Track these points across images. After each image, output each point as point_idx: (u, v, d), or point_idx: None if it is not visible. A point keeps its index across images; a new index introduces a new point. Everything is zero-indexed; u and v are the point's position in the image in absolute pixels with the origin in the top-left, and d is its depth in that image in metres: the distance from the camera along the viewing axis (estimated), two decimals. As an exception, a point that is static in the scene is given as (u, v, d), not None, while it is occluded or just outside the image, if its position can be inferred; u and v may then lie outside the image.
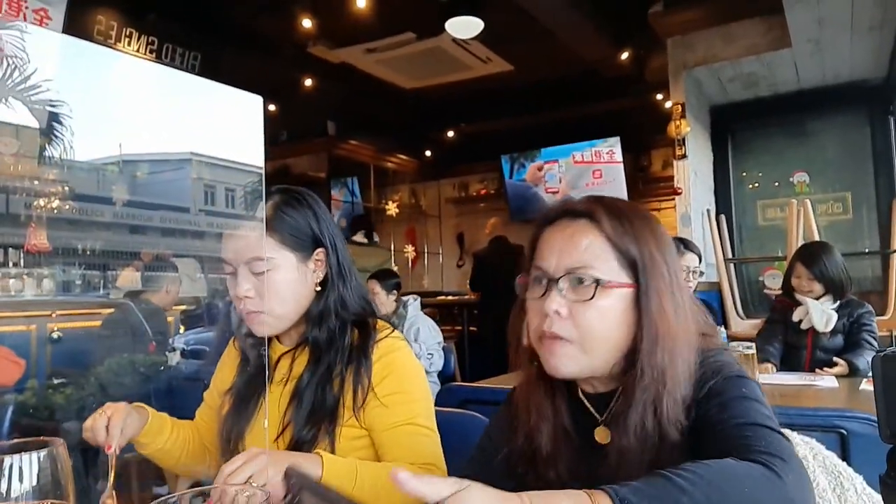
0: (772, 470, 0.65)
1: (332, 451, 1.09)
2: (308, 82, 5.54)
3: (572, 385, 0.90)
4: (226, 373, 1.30)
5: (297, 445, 1.10)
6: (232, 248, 1.15)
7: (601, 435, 0.86)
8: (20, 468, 0.70)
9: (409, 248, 7.39)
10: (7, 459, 0.69)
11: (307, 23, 4.58)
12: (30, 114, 4.64)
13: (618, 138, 6.24)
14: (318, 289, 1.19)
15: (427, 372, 3.47)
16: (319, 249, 1.19)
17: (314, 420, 1.11)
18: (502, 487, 0.87)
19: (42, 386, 3.09)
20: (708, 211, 4.64)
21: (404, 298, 3.67)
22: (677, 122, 4.27)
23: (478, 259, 5.43)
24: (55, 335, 3.49)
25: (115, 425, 1.09)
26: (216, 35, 4.64)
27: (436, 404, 1.21)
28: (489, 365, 4.69)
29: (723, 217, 4.77)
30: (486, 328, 5.21)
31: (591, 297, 0.81)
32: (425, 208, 7.83)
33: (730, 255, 4.65)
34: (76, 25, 4.08)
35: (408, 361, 1.17)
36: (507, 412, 0.97)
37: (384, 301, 3.59)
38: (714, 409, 0.77)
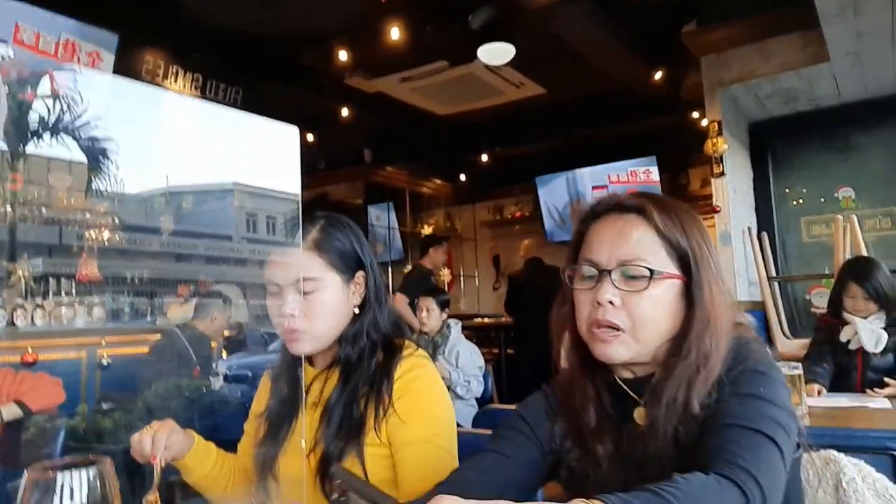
0: (744, 495, 0.69)
1: (362, 466, 1.11)
2: (345, 112, 5.68)
3: (610, 370, 0.94)
4: (261, 400, 1.33)
5: (327, 460, 1.12)
6: (280, 267, 1.19)
7: (640, 415, 0.89)
8: (70, 486, 0.73)
9: (446, 272, 7.42)
10: (59, 477, 0.72)
11: (344, 55, 4.71)
12: (80, 150, 4.89)
13: (654, 157, 6.19)
14: (356, 311, 1.22)
15: (462, 398, 3.45)
16: (360, 272, 1.22)
17: (341, 436, 1.13)
18: (535, 463, 0.95)
19: (91, 411, 3.20)
20: (749, 229, 4.53)
21: (447, 320, 3.68)
22: (714, 140, 4.22)
23: (512, 281, 5.41)
24: (104, 361, 3.61)
25: (160, 438, 1.13)
26: (257, 70, 4.81)
27: (473, 427, 1.21)
28: (526, 387, 4.66)
29: (764, 234, 4.66)
30: (522, 351, 5.17)
31: (644, 288, 0.86)
32: (461, 231, 7.87)
33: (773, 273, 4.52)
34: (126, 65, 4.29)
35: (429, 380, 1.18)
36: (543, 398, 1.01)
37: (435, 318, 3.60)
38: (726, 397, 0.81)
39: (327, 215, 1.25)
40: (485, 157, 7.26)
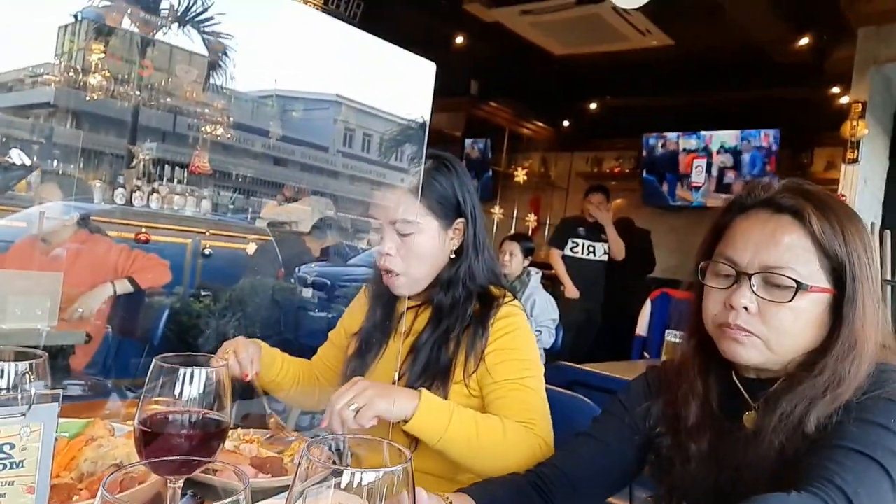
0: None
1: None
2: (458, 39, 5.55)
3: (728, 366, 0.89)
4: (355, 317, 1.38)
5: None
6: (381, 206, 1.21)
7: (749, 419, 0.84)
8: (191, 378, 0.79)
9: (532, 218, 7.32)
10: (181, 370, 0.78)
11: (467, -22, 4.56)
12: (203, 44, 5.07)
13: (777, 130, 5.73)
14: (453, 256, 1.23)
15: (533, 345, 3.47)
16: (460, 219, 1.23)
17: (427, 375, 1.17)
18: (630, 447, 0.94)
19: (189, 294, 3.46)
20: (872, 224, 4.17)
21: (529, 267, 3.67)
22: (854, 123, 3.85)
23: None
24: (206, 251, 3.86)
25: (244, 358, 1.22)
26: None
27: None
28: (597, 347, 4.62)
29: (887, 233, 4.28)
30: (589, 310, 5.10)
31: (788, 301, 0.79)
32: (554, 179, 7.68)
33: (888, 277, 4.18)
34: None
35: (522, 327, 1.21)
36: (644, 380, 1.00)
37: (518, 264, 3.60)
38: (847, 422, 0.75)
39: (436, 156, 1.25)
40: (593, 106, 6.96)
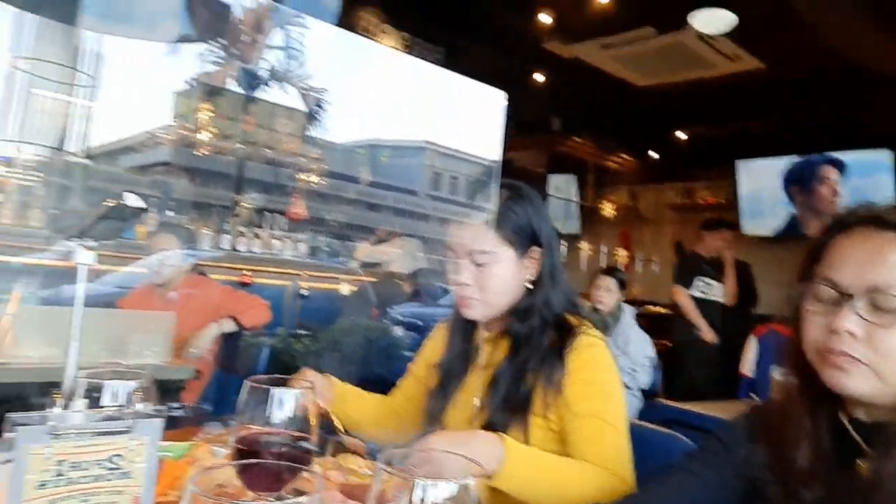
0: None
1: (526, 441, 1.12)
2: (539, 77, 5.62)
3: (836, 405, 0.82)
4: (434, 349, 1.40)
5: (491, 428, 1.14)
6: (458, 237, 1.24)
7: (865, 467, 0.77)
8: (281, 399, 0.85)
9: (622, 253, 7.14)
10: (273, 390, 0.84)
11: (546, 18, 4.65)
12: (300, 98, 5.44)
13: (889, 153, 5.32)
14: (529, 286, 1.23)
15: (627, 387, 3.34)
16: (536, 248, 1.22)
17: (507, 407, 1.15)
18: (730, 489, 0.87)
19: (289, 334, 3.64)
20: None
21: (622, 303, 3.56)
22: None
23: (695, 271, 5.04)
24: (303, 292, 4.06)
25: (323, 393, 1.25)
26: (459, 30, 4.92)
27: (638, 419, 1.19)
28: (695, 386, 4.38)
29: None
30: (691, 348, 4.85)
31: None
32: (643, 212, 7.49)
33: None
34: (343, 22, 4.65)
35: (602, 357, 1.17)
36: (746, 420, 0.92)
37: (614, 298, 3.50)
38: None
39: (510, 185, 1.26)
40: (681, 135, 6.77)
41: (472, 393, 1.25)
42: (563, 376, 1.13)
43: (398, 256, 4.41)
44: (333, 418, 1.24)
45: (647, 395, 3.44)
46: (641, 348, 3.44)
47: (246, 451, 0.80)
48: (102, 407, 0.83)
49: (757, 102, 5.56)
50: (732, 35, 4.38)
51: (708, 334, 4.29)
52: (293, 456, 0.82)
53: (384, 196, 7.53)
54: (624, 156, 7.27)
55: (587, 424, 1.10)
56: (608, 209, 7.20)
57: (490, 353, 1.26)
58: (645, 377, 3.40)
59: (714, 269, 4.45)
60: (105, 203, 1.10)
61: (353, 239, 5.49)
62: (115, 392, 0.83)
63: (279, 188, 5.24)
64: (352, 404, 1.36)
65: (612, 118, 6.46)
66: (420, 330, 4.18)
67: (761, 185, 6.17)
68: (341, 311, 4.17)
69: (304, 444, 0.82)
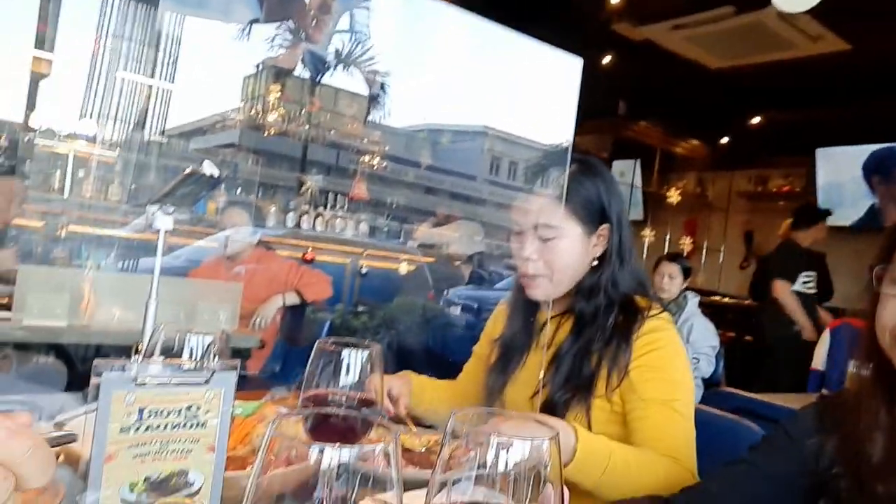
0: None
1: (588, 421, 1.11)
2: (605, 60, 5.48)
3: None
4: (496, 326, 1.38)
5: (551, 407, 1.13)
6: (524, 210, 1.21)
7: None
8: (349, 363, 0.86)
9: (687, 241, 6.92)
10: (344, 351, 0.85)
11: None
12: (364, 82, 5.50)
13: None
14: (595, 263, 1.19)
15: (690, 375, 3.25)
16: (604, 225, 1.19)
17: (569, 387, 1.13)
18: (796, 483, 0.83)
19: (347, 310, 3.72)
20: None
21: (686, 291, 3.47)
22: None
23: (762, 263, 4.85)
24: (363, 270, 4.14)
25: (393, 395, 1.24)
26: (525, 13, 4.84)
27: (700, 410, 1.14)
28: (760, 380, 4.22)
29: None
30: (762, 340, 4.66)
31: None
32: (711, 199, 7.22)
33: None
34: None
35: (672, 342, 1.13)
36: (815, 411, 0.89)
37: (677, 286, 3.43)
38: None
39: (581, 160, 1.22)
40: (756, 120, 6.47)
41: (532, 371, 1.23)
42: (629, 360, 1.10)
43: (456, 239, 4.42)
44: (404, 420, 1.23)
45: (709, 384, 3.35)
46: (705, 337, 3.35)
47: (315, 408, 0.82)
48: (180, 360, 0.87)
49: (839, 87, 5.24)
50: (816, 14, 4.13)
51: (810, 332, 4.09)
52: (361, 416, 0.83)
53: (442, 180, 7.53)
54: (693, 141, 7.02)
55: (655, 412, 1.07)
56: (674, 196, 6.98)
57: (553, 332, 1.23)
58: (707, 366, 3.32)
59: (817, 263, 4.24)
60: (184, 173, 1.14)
61: (411, 221, 5.53)
62: (193, 346, 0.86)
63: (342, 170, 5.33)
64: (428, 395, 1.37)
65: (682, 102, 6.23)
66: (476, 312, 4.19)
67: (840, 173, 5.84)
68: (399, 290, 4.22)
69: (370, 400, 0.84)
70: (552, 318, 1.24)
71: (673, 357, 1.12)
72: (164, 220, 1.21)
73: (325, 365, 0.86)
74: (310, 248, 3.87)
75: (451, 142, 7.69)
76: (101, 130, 3.79)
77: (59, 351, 1.88)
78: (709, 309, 5.22)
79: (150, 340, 0.90)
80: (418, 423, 1.32)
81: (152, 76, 4.09)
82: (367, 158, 5.16)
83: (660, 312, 1.16)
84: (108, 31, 3.86)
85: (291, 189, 4.81)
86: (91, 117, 3.83)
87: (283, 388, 1.32)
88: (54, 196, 3.26)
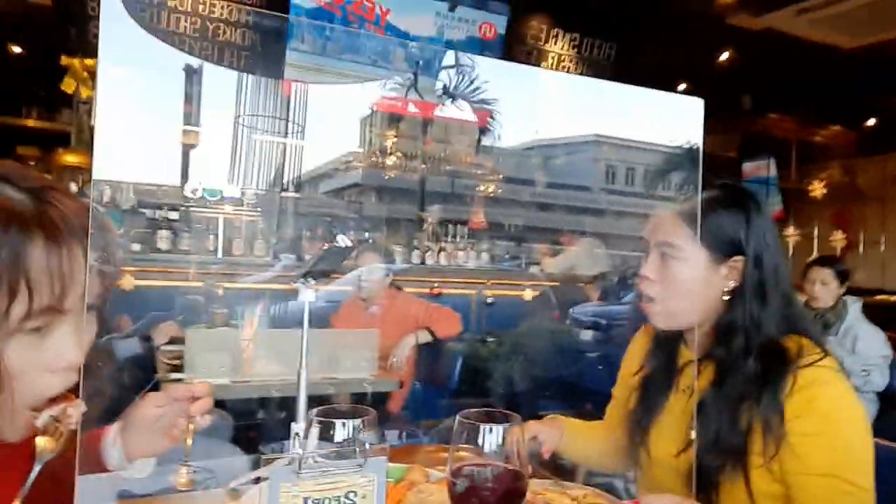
0: None
1: (749, 494, 1.00)
2: (724, 55, 5.19)
3: None
4: (632, 361, 1.30)
5: (702, 471, 1.02)
6: (650, 226, 1.15)
7: None
8: (491, 434, 0.88)
9: (838, 236, 6.29)
10: (483, 426, 0.87)
11: (728, -8, 4.29)
12: (471, 111, 5.61)
13: None
14: (727, 297, 1.10)
15: (860, 391, 2.92)
16: (738, 257, 1.10)
17: (720, 449, 1.02)
18: None
19: (476, 340, 3.77)
20: None
21: (844, 297, 3.12)
22: None
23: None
24: (489, 300, 4.18)
25: (542, 443, 1.21)
26: (631, 23, 4.73)
27: (875, 432, 0.98)
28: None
29: None
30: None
31: None
32: (863, 187, 6.53)
33: None
34: (513, 32, 4.71)
35: (837, 398, 0.98)
36: None
37: (831, 293, 3.11)
38: None
39: (724, 185, 1.14)
40: (906, 97, 5.79)
41: (677, 418, 1.16)
42: (781, 422, 0.96)
43: (577, 259, 4.35)
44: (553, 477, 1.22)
45: (885, 397, 2.99)
46: (873, 346, 3.00)
47: (461, 484, 0.85)
48: (334, 440, 0.94)
49: None
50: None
51: None
52: (507, 489, 0.85)
53: (557, 195, 7.46)
54: (833, 127, 6.41)
55: (821, 485, 0.94)
56: (817, 188, 6.39)
57: (693, 378, 1.15)
58: (880, 379, 2.96)
59: None
60: (322, 248, 1.23)
61: (530, 241, 5.52)
62: (344, 427, 0.92)
63: (459, 199, 5.45)
64: (581, 440, 1.31)
65: (816, 88, 5.73)
66: (603, 329, 4.07)
67: None
68: (524, 315, 4.21)
69: (518, 473, 0.85)
70: (693, 361, 1.17)
71: (841, 417, 0.97)
72: (307, 293, 1.31)
73: (468, 438, 0.89)
74: (436, 283, 3.98)
75: (563, 156, 7.62)
76: (243, 191, 4.20)
77: (222, 405, 2.07)
78: (875, 312, 4.71)
79: (304, 420, 0.98)
80: (562, 470, 1.30)
81: (284, 135, 4.48)
82: (482, 185, 5.25)
83: (820, 359, 1.00)
84: (243, 102, 4.30)
85: (413, 224, 4.99)
86: (234, 181, 4.26)
87: (425, 442, 1.37)
88: (209, 258, 3.64)
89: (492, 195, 5.42)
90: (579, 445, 1.31)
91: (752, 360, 1.03)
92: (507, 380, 3.32)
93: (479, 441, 0.87)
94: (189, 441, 0.87)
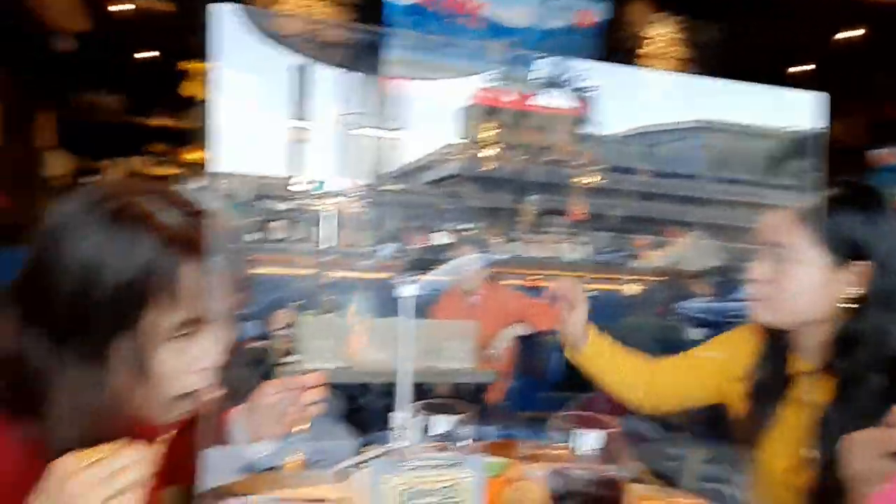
0: None
1: None
2: (847, 34, 4.75)
3: None
4: (736, 358, 1.22)
5: (822, 491, 0.97)
6: (762, 225, 1.09)
7: None
8: (585, 437, 0.88)
9: None
10: (578, 428, 0.87)
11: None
12: (570, 99, 5.50)
13: None
14: (848, 305, 1.02)
15: None
16: (862, 262, 1.01)
17: (841, 476, 0.92)
18: None
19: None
20: None
21: None
22: None
23: None
24: (588, 293, 4.09)
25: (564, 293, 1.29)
26: (739, 3, 4.44)
27: None
28: None
29: None
30: None
31: None
32: None
33: None
34: (615, 17, 4.55)
35: None
36: None
37: None
38: None
39: (847, 183, 1.06)
40: None
41: (791, 431, 1.08)
42: None
43: (685, 253, 4.15)
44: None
45: None
46: None
47: (559, 484, 0.86)
48: (433, 434, 0.97)
49: None
50: None
51: None
52: (604, 493, 0.85)
53: (661, 184, 7.17)
54: None
55: None
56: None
57: (807, 392, 1.08)
58: None
59: None
60: (420, 244, 1.27)
61: (633, 232, 5.35)
62: (443, 421, 0.95)
63: (558, 189, 5.38)
64: (607, 351, 1.35)
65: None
66: (714, 326, 3.88)
67: None
68: (625, 310, 4.09)
69: (615, 478, 0.85)
70: (808, 372, 1.09)
71: None
72: (408, 288, 1.35)
73: (565, 438, 0.89)
74: (534, 275, 3.95)
75: (668, 142, 7.31)
76: (347, 183, 4.40)
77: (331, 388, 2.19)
78: None
79: (404, 413, 1.02)
80: (659, 475, 1.27)
81: (385, 129, 4.63)
82: (582, 175, 5.14)
83: None
84: (346, 98, 4.49)
85: (511, 214, 4.98)
86: (339, 174, 4.46)
87: (524, 437, 1.38)
88: (316, 247, 3.85)
89: (592, 185, 5.30)
90: (618, 367, 1.32)
91: (878, 375, 0.96)
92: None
93: (576, 442, 0.88)
94: (302, 427, 0.93)
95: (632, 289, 4.22)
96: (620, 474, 0.84)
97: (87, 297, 0.62)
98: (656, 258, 4.53)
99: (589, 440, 0.87)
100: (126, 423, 0.66)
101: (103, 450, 0.55)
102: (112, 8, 4.24)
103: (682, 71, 4.62)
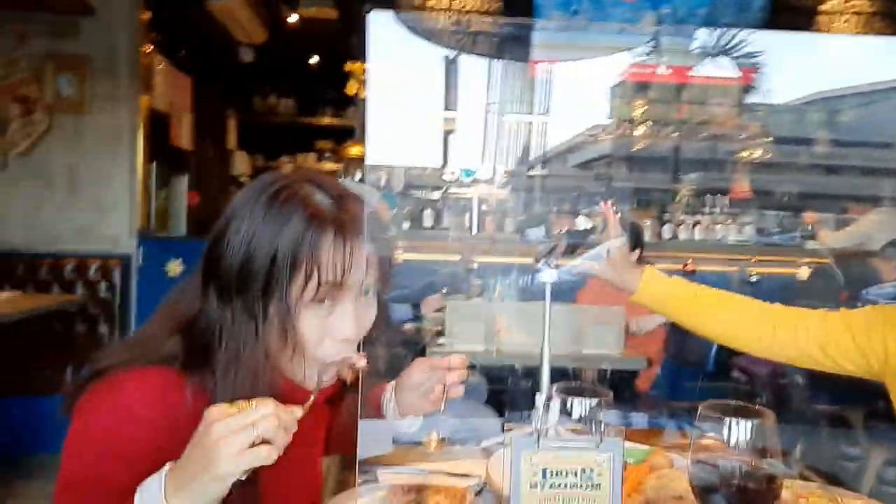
0: None
1: None
2: None
3: None
4: (884, 334, 1.13)
5: None
6: None
7: None
8: (736, 427, 0.83)
9: None
10: (730, 419, 0.83)
11: None
12: (734, 68, 5.04)
13: None
14: None
15: None
16: None
17: None
18: None
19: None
20: None
21: None
22: None
23: None
24: (752, 278, 3.80)
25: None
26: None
27: None
28: None
29: None
30: None
31: None
32: None
33: None
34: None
35: None
36: None
37: None
38: None
39: None
40: None
41: None
42: None
43: (872, 232, 3.67)
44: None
45: None
46: None
47: (706, 476, 0.83)
48: (572, 417, 0.98)
49: None
50: None
51: None
52: (756, 489, 0.80)
53: (846, 155, 6.36)
54: None
55: None
56: None
57: None
58: None
59: None
60: (563, 231, 1.28)
61: (807, 210, 4.82)
62: (581, 404, 0.96)
63: (719, 166, 5.00)
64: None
65: None
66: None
67: None
68: (799, 295, 3.72)
69: (769, 474, 0.80)
70: None
71: None
72: (549, 273, 1.36)
73: (713, 428, 0.86)
74: (689, 259, 3.73)
75: (855, 107, 6.47)
76: (495, 170, 4.46)
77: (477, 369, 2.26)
78: None
79: (545, 395, 1.04)
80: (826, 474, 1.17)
81: (532, 114, 4.62)
82: (747, 150, 4.72)
83: None
84: (494, 86, 4.54)
85: (666, 193, 4.72)
86: (487, 161, 4.53)
87: (672, 428, 1.34)
88: (465, 234, 3.96)
89: (759, 160, 4.84)
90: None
91: None
92: (773, 366, 2.99)
93: (725, 433, 0.84)
94: (443, 406, 0.99)
95: (806, 272, 3.83)
96: (775, 469, 0.80)
97: (249, 263, 0.73)
98: (836, 238, 4.07)
99: (741, 431, 0.84)
100: (276, 382, 0.75)
101: (249, 403, 0.64)
102: (286, 19, 4.65)
103: (868, 29, 4.04)
